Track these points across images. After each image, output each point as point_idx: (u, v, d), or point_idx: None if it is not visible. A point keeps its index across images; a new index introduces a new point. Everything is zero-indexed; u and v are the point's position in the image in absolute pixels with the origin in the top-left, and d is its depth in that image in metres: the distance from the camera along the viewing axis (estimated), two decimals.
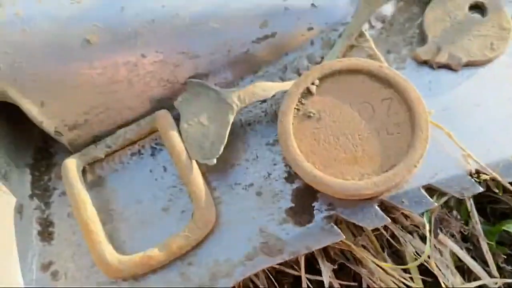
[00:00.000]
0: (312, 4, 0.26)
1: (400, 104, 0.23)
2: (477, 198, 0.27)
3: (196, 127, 0.25)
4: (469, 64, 0.26)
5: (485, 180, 0.23)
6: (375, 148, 0.22)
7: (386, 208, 0.23)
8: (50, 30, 0.23)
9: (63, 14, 0.23)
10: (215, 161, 0.24)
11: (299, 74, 0.27)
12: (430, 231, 0.23)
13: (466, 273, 0.26)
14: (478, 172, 0.23)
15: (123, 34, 0.23)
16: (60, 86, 0.23)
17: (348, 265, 0.25)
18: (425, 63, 0.26)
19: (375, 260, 0.24)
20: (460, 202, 0.26)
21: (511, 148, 0.23)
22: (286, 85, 0.25)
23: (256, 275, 0.26)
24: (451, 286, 0.24)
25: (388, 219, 0.23)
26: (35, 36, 0.22)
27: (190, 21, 0.24)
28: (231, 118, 0.24)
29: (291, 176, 0.24)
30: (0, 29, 0.22)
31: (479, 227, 0.26)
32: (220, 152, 0.24)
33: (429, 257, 0.24)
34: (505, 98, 0.24)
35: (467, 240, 0.26)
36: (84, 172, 0.26)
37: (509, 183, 0.23)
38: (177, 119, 0.25)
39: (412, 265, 0.24)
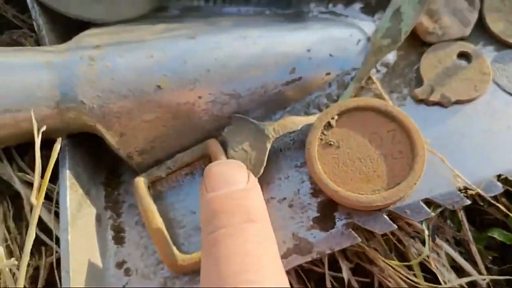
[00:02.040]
0: (330, 54, 0.33)
1: (402, 134, 0.29)
2: (468, 211, 0.33)
3: (240, 153, 0.31)
4: (457, 102, 0.32)
5: (471, 195, 0.29)
6: (383, 170, 0.28)
7: (393, 217, 0.29)
8: (131, 79, 0.29)
9: (141, 66, 0.29)
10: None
11: (320, 110, 0.33)
12: (428, 235, 0.29)
13: (459, 272, 0.31)
14: (465, 188, 0.29)
15: (185, 81, 0.30)
16: (136, 121, 0.30)
17: (363, 264, 0.31)
18: (421, 101, 0.32)
19: (384, 259, 0.30)
20: (454, 214, 0.32)
21: (491, 170, 0.29)
22: (310, 119, 0.32)
23: (288, 273, 0.32)
24: (447, 281, 0.30)
25: (395, 225, 0.28)
26: (120, 83, 0.29)
27: (236, 70, 0.31)
28: (269, 146, 0.31)
29: (316, 192, 0.30)
30: (94, 78, 0.29)
31: (469, 233, 0.31)
32: (261, 173, 0.30)
33: (428, 257, 0.30)
34: (485, 129, 0.30)
35: (460, 244, 0.32)
36: (148, 188, 0.32)
37: (491, 197, 0.29)
38: (222, 146, 0.32)
39: (414, 262, 0.29)
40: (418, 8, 0.32)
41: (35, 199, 0.23)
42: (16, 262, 0.29)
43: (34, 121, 0.24)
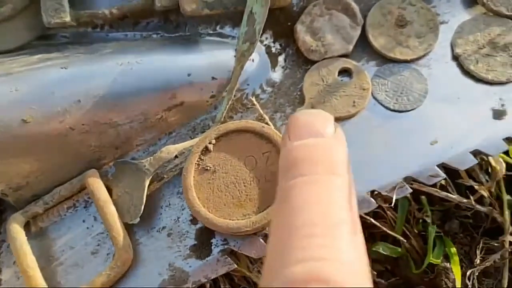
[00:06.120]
0: (213, 77, 0.33)
1: (276, 156, 0.29)
2: None
3: (123, 197, 0.30)
4: (337, 119, 0.32)
5: None
6: (255, 193, 0.28)
7: None
8: None
9: (4, 100, 0.28)
10: (138, 219, 0.29)
11: None
12: None
13: None
14: None
15: (54, 113, 0.29)
16: (4, 157, 0.29)
17: None
18: None
19: None
20: None
21: (365, 187, 0.29)
22: (187, 143, 0.31)
23: None
24: None
25: None
26: None
27: (110, 99, 0.30)
28: (147, 182, 0.30)
29: (195, 219, 0.30)
30: None
31: None
32: (141, 213, 0.29)
33: None
34: (363, 146, 0.31)
35: None
36: (28, 225, 0.31)
37: (367, 213, 0.29)
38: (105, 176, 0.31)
39: None
40: (265, 2, 0.31)
41: None
42: None
43: None
